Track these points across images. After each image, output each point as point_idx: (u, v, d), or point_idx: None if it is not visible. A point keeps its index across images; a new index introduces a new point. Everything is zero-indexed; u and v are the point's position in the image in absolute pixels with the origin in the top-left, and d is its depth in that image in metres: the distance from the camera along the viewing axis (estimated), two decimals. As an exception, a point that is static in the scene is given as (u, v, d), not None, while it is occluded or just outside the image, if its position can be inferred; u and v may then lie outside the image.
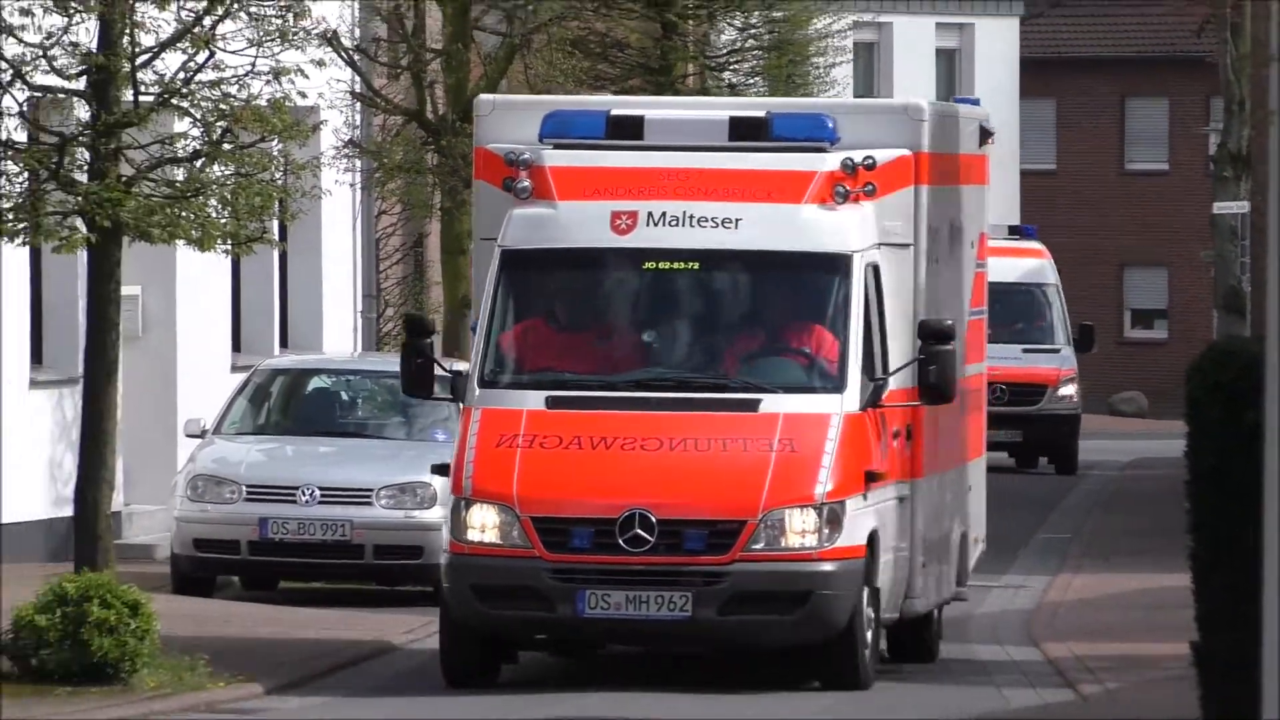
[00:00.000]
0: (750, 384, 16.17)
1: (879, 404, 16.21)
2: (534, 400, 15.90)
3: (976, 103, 22.09)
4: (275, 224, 25.25)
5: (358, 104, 33.21)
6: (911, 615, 19.39)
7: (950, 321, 16.83)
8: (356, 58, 32.70)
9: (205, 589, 27.55)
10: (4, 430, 28.38)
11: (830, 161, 15.88)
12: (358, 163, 32.75)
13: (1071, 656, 21.87)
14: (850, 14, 46.26)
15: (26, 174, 22.80)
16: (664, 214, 15.54)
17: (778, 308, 16.53)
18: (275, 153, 22.65)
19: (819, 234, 15.89)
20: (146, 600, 18.66)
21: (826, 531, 15.29)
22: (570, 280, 16.53)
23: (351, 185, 32.64)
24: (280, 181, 22.74)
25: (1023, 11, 69.33)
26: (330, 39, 27.76)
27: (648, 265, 15.82)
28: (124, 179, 22.49)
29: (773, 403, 15.92)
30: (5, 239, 23.31)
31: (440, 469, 17.47)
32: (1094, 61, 78.59)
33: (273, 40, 22.09)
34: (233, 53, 22.27)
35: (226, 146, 22.26)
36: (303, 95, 22.95)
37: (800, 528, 15.27)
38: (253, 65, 22.08)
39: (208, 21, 22.15)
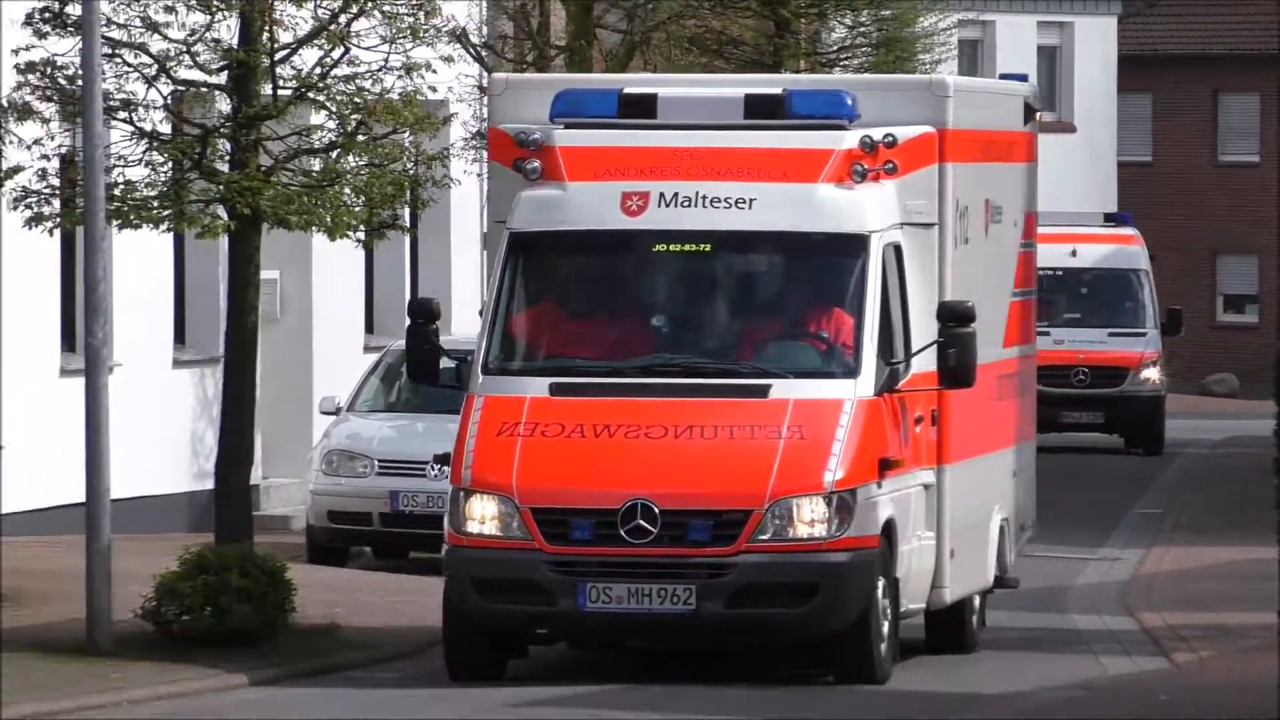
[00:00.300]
0: (760, 369, 14.98)
1: (896, 389, 14.94)
2: (537, 387, 14.72)
3: (1024, 79, 20.20)
4: (406, 212, 25.21)
5: (484, 97, 33.19)
6: (939, 606, 17.78)
7: (970, 304, 15.20)
8: (484, 54, 32.64)
9: (339, 559, 27.72)
10: (148, 407, 28.62)
11: (849, 139, 14.63)
12: (484, 153, 32.68)
13: (1165, 626, 21.88)
14: (955, 12, 45.68)
15: (171, 164, 22.91)
16: (676, 195, 14.52)
17: (792, 290, 15.34)
18: (407, 144, 22.66)
19: (835, 214, 14.58)
20: (284, 569, 18.69)
21: (836, 521, 14.12)
22: (578, 263, 15.49)
23: (479, 175, 32.58)
24: (411, 171, 22.75)
25: (1121, 10, 68.79)
26: (459, 36, 28.07)
27: (658, 247, 14.76)
28: (263, 169, 22.57)
29: (783, 388, 14.64)
30: (151, 226, 23.30)
31: (442, 459, 16.10)
32: (1188, 58, 78.02)
33: (404, 37, 22.16)
34: (366, 49, 22.45)
35: (360, 138, 22.28)
36: (433, 90, 23.43)
37: (809, 517, 14.13)
38: (385, 61, 22.20)
39: (343, 19, 22.40)
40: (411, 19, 22.11)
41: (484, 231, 31.56)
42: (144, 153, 22.39)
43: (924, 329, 15.14)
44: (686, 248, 14.65)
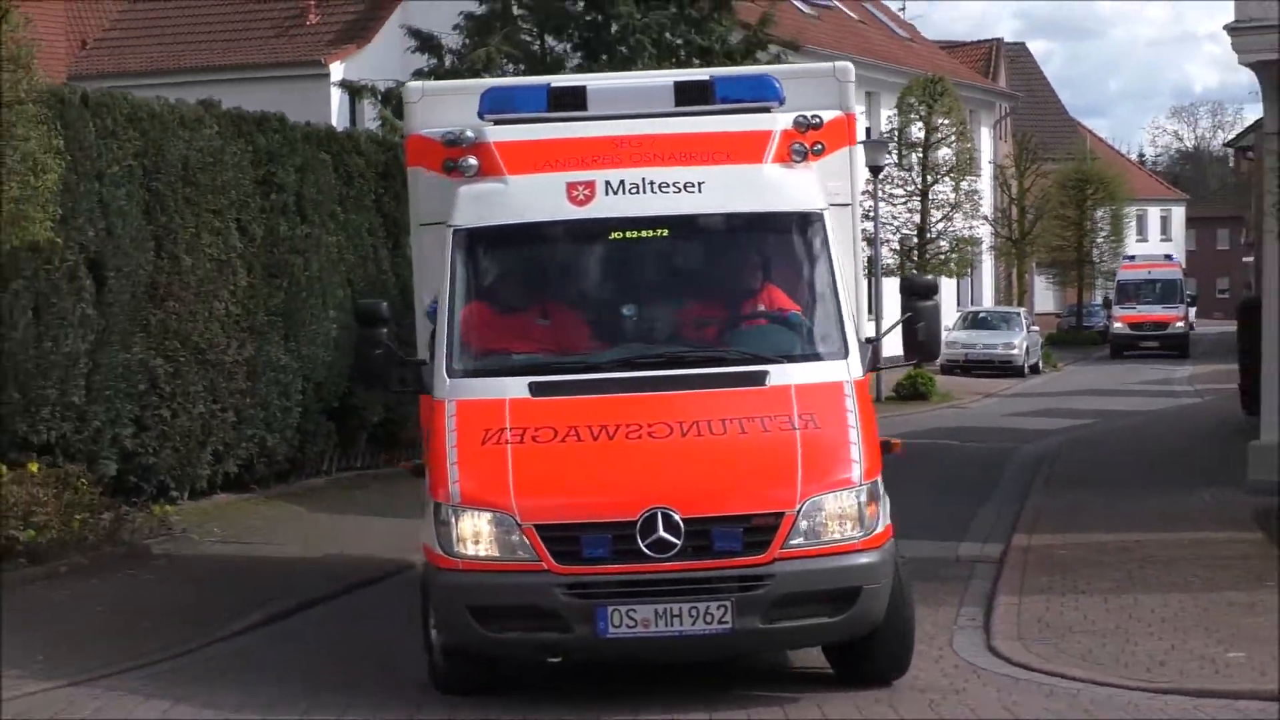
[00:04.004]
0: (750, 355, 12.60)
1: (878, 367, 13.35)
2: (515, 388, 12.19)
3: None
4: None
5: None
6: None
7: (934, 277, 14.43)
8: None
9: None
10: None
11: (782, 121, 13.18)
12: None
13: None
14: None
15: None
16: (622, 182, 12.77)
17: (758, 272, 13.23)
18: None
19: (788, 193, 13.02)
20: None
21: (868, 516, 11.79)
22: (532, 256, 13.30)
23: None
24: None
25: None
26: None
27: (614, 235, 12.86)
28: None
29: (780, 374, 12.35)
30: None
31: (418, 470, 13.32)
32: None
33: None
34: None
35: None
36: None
37: (842, 515, 11.75)
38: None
39: None
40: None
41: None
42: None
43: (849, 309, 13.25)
44: (643, 234, 12.91)
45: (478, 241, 12.91)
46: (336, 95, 42.22)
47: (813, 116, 13.19)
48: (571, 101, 13.33)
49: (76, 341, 18.28)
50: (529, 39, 37.72)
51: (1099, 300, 79.84)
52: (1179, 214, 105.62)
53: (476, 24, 38.58)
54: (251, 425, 20.91)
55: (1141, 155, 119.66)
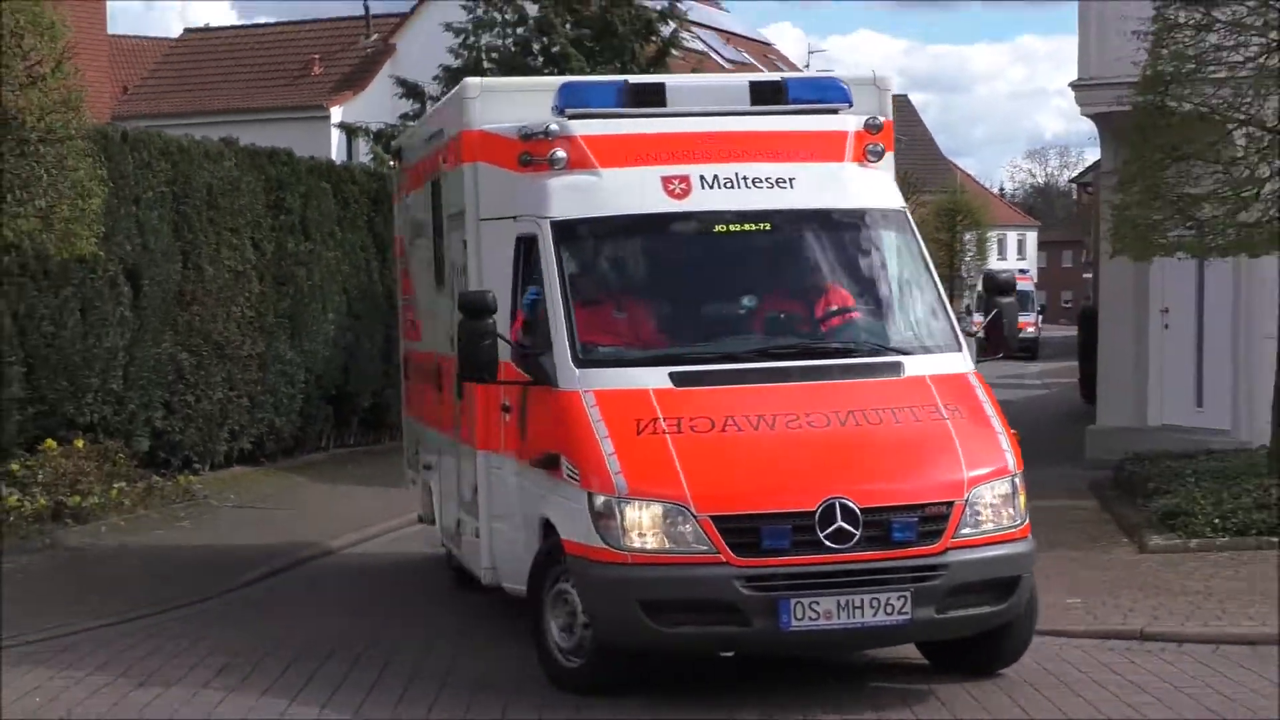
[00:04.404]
0: (879, 346, 10.63)
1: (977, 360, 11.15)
2: (653, 378, 9.97)
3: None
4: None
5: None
6: None
7: (1010, 274, 11.70)
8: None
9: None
10: None
11: (853, 122, 11.25)
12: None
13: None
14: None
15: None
16: (716, 176, 10.69)
17: (860, 267, 11.07)
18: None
19: (874, 191, 11.16)
20: None
21: (1019, 504, 9.96)
22: (638, 249, 10.96)
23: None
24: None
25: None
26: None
27: (719, 228, 10.64)
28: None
29: (913, 365, 10.42)
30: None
31: (547, 461, 10.19)
32: None
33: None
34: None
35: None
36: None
37: (1000, 504, 9.80)
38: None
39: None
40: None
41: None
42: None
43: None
44: (748, 227, 10.67)
45: (579, 233, 10.68)
46: (336, 134, 42.18)
47: (878, 119, 11.35)
48: (651, 98, 11.29)
49: (116, 338, 18.22)
50: (496, 89, 37.62)
51: (964, 308, 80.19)
52: (1032, 238, 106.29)
53: (452, 75, 38.35)
54: (262, 409, 20.84)
55: (1002, 189, 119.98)
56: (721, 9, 56.26)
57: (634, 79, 11.55)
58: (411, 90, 38.71)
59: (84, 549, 15.51)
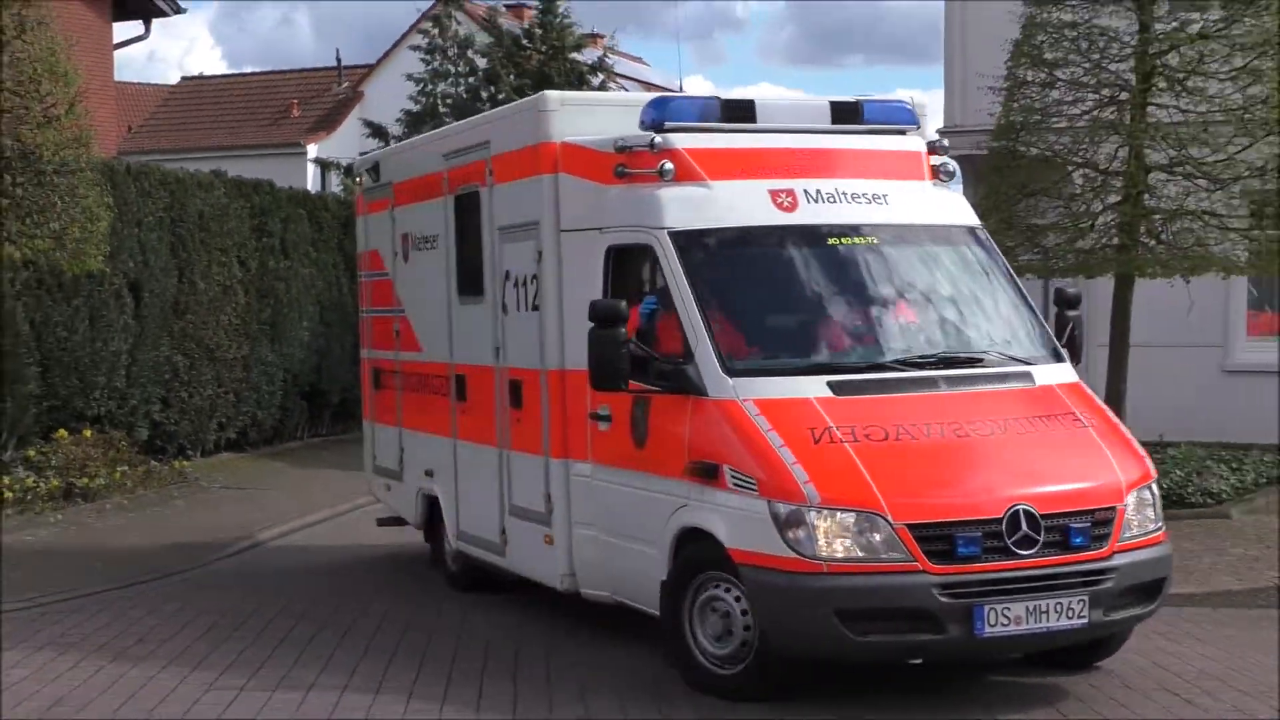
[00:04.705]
0: (1007, 356, 9.39)
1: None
2: (812, 387, 8.71)
3: None
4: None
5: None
6: None
7: (1077, 290, 10.42)
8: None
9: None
10: None
11: (921, 144, 10.20)
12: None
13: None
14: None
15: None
16: (819, 191, 9.46)
17: (962, 280, 9.84)
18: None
19: (957, 208, 10.09)
20: None
21: (1160, 507, 9.03)
22: (761, 259, 9.42)
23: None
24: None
25: None
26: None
27: (831, 241, 9.40)
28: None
29: (1040, 374, 9.32)
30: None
31: (703, 469, 8.75)
32: None
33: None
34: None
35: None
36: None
37: (1148, 508, 8.84)
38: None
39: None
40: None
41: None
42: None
43: None
44: (856, 240, 9.48)
45: (700, 244, 9.26)
46: (311, 168, 42.19)
47: (944, 141, 10.35)
48: (742, 113, 9.88)
49: (120, 342, 18.19)
50: (451, 130, 37.72)
51: None
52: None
53: (412, 118, 38.60)
54: (246, 404, 20.84)
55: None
56: (645, 64, 56.54)
57: (725, 94, 10.07)
58: (377, 130, 38.88)
59: (92, 524, 15.50)
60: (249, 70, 55.38)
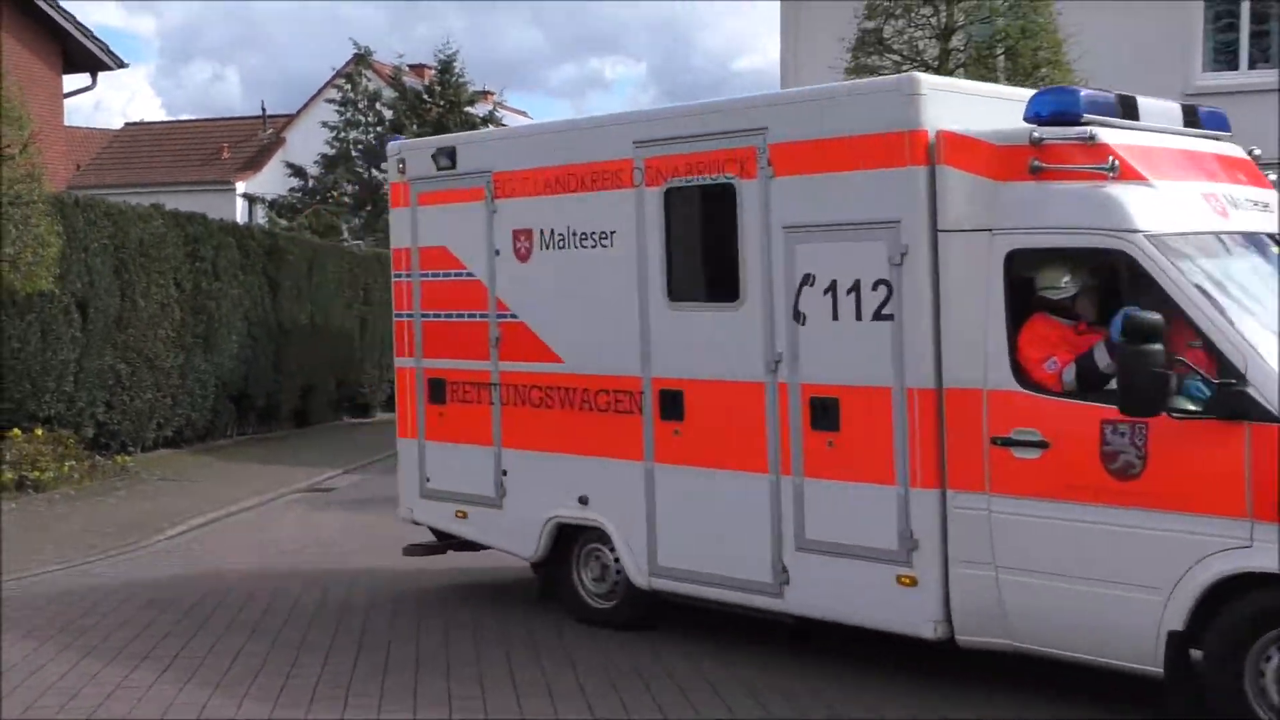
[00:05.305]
0: None
1: None
2: None
3: None
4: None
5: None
6: None
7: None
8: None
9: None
10: None
11: (1242, 150, 8.38)
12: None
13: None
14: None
15: None
16: (1232, 196, 7.67)
17: None
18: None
19: None
20: None
21: None
22: (1231, 267, 7.36)
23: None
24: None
25: None
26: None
27: (1275, 249, 7.62)
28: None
29: None
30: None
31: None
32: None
33: None
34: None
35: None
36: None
37: None
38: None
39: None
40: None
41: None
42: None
43: None
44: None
45: (1184, 251, 7.13)
46: (240, 203, 41.58)
47: (1255, 150, 8.52)
48: (1130, 110, 7.83)
49: (68, 352, 17.68)
50: (361, 170, 37.43)
51: None
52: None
53: (328, 160, 38.16)
54: (181, 406, 20.35)
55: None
56: (529, 118, 56.39)
57: (1117, 91, 7.89)
58: (297, 171, 38.37)
59: (42, 513, 15.02)
60: (185, 118, 54.48)
